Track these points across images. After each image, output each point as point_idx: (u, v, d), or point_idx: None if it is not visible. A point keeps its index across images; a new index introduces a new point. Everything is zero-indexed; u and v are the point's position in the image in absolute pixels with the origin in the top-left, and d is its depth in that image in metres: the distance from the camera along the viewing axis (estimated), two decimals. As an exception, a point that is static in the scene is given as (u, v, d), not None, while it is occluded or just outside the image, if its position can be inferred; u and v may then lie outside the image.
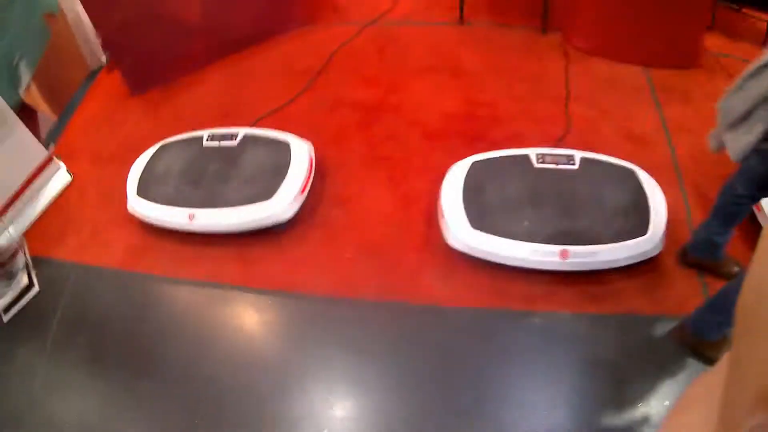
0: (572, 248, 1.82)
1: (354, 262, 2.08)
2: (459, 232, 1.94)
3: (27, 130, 2.36)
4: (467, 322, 1.92)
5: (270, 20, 2.96)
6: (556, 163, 2.03)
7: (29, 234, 2.41)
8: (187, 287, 2.14)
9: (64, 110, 2.83)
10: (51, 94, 2.69)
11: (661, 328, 1.80)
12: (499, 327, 1.89)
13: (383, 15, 3.04)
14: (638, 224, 1.86)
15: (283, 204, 2.07)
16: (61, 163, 2.53)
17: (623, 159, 2.05)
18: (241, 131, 2.32)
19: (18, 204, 2.39)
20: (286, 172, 2.14)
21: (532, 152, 2.08)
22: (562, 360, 1.79)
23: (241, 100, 2.71)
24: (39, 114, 2.66)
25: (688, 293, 1.85)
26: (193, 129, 2.45)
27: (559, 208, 1.92)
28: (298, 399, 1.80)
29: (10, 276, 2.29)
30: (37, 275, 2.27)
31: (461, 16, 2.95)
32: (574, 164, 2.02)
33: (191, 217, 2.12)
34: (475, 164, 2.09)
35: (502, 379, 1.79)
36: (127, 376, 1.95)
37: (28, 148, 2.40)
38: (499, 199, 1.99)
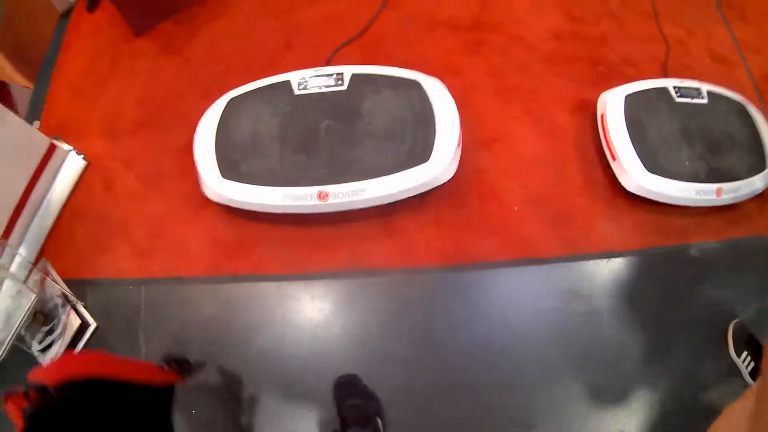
0: (724, 186, 1.86)
1: (522, 215, 1.83)
2: (636, 175, 1.80)
3: (18, 118, 1.59)
4: (640, 264, 1.82)
5: None
6: (691, 97, 1.97)
7: (49, 251, 1.70)
8: (325, 282, 1.69)
9: (40, 74, 1.93)
10: (19, 56, 1.81)
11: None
12: (665, 263, 1.84)
13: None
14: (759, 158, 1.94)
15: (444, 163, 1.68)
16: (67, 146, 1.76)
17: (716, 84, 2.03)
18: (347, 70, 1.79)
19: (25, 213, 1.64)
20: (433, 121, 1.72)
21: (669, 84, 1.97)
22: (716, 284, 1.83)
23: (298, 25, 2.07)
24: (12, 86, 1.79)
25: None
26: (247, 71, 1.85)
27: (704, 145, 1.90)
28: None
29: (49, 318, 1.63)
30: (87, 307, 1.64)
31: None
32: (703, 98, 1.98)
33: (324, 196, 1.64)
34: (628, 98, 1.91)
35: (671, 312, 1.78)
36: (279, 410, 1.55)
37: (24, 139, 1.63)
38: (659, 138, 1.88)
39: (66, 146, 1.77)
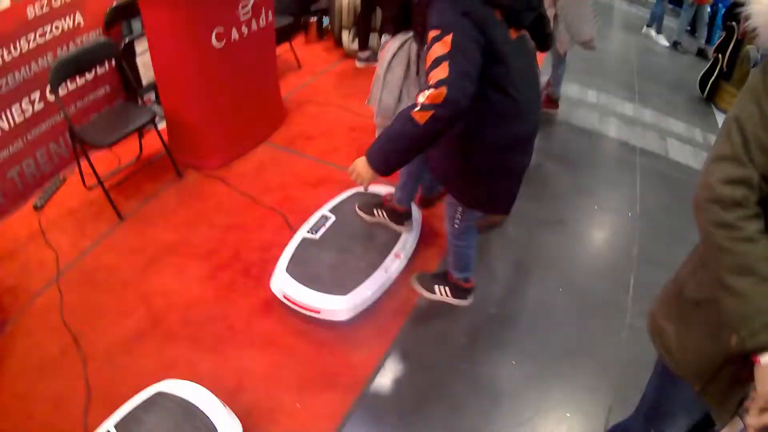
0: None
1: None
2: (342, 304, 2.22)
3: None
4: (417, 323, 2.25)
5: None
6: (322, 225, 2.56)
7: None
8: None
9: None
10: None
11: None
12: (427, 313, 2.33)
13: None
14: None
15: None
16: None
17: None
18: (108, 426, 1.78)
19: None
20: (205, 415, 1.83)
21: (302, 232, 2.51)
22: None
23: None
24: None
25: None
26: None
27: (356, 246, 2.52)
28: None
29: None
30: None
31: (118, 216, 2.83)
32: (330, 217, 2.63)
33: None
34: (287, 270, 2.34)
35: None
36: None
37: None
38: (325, 269, 2.36)
39: None
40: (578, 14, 3.52)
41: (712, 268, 1.01)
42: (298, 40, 4.86)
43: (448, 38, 1.50)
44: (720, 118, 4.80)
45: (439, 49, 1.50)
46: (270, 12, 3.24)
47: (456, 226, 2.14)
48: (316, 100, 3.92)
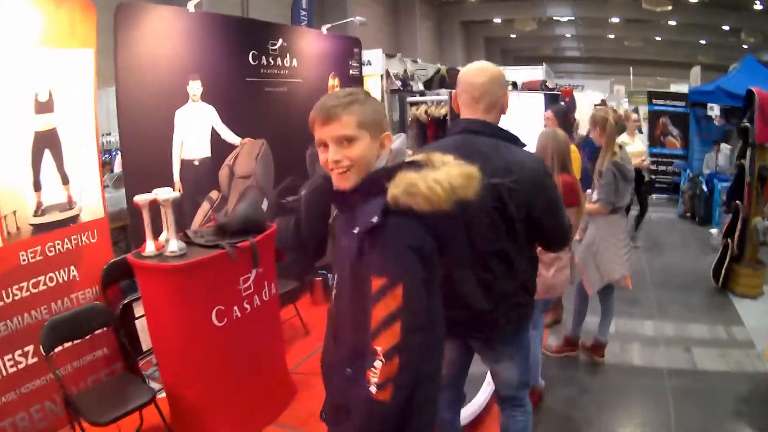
0: None
1: None
2: None
3: None
4: None
5: None
6: None
7: None
8: None
9: None
10: None
11: None
12: None
13: None
14: None
15: None
16: None
17: None
18: None
19: None
20: None
21: None
22: None
23: None
24: None
25: None
26: None
27: None
28: None
29: None
30: None
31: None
32: None
33: None
34: None
35: None
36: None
37: None
38: None
39: None
40: (608, 250, 3.51)
41: None
42: (304, 301, 5.04)
43: (398, 291, 1.36)
44: (738, 305, 4.85)
45: (388, 305, 1.36)
46: (273, 285, 3.34)
47: None
48: (327, 371, 3.97)
